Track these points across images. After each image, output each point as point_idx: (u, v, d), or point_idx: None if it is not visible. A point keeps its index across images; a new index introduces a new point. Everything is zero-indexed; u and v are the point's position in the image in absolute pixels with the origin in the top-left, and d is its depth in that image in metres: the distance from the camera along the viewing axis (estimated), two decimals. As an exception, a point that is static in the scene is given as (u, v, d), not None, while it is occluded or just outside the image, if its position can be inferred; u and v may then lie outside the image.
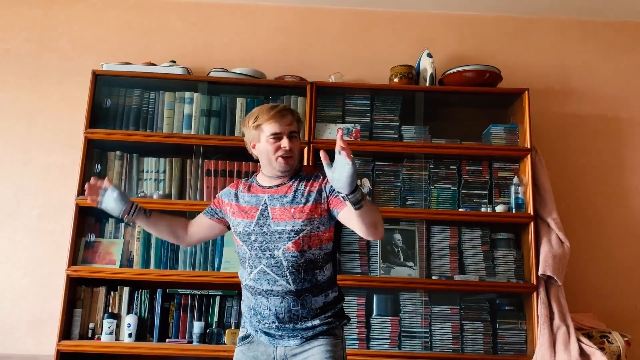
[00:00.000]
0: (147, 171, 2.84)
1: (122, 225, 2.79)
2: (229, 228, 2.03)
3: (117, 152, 2.83)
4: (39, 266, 2.90)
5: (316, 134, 2.80)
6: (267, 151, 1.91)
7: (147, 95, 2.87)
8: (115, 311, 2.69)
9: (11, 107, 3.08)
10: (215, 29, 3.22)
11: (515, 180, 2.82)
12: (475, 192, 2.84)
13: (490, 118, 2.97)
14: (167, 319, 2.71)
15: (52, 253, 2.89)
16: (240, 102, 2.86)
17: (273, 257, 1.83)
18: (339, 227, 1.96)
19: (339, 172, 1.55)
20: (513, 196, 2.79)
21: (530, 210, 2.73)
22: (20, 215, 2.96)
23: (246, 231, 1.88)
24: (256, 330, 1.89)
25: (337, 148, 1.55)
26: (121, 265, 2.70)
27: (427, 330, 2.68)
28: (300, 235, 1.83)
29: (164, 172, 2.83)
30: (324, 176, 1.90)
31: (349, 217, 1.76)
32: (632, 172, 3.10)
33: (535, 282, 2.64)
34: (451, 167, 2.86)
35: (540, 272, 2.63)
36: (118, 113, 2.85)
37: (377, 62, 3.12)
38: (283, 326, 1.83)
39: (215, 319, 2.71)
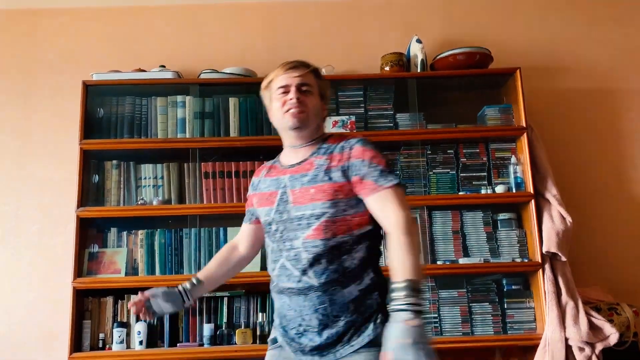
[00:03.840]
0: (144, 178, 2.83)
1: (125, 234, 2.79)
2: None
3: (114, 161, 2.83)
4: (45, 280, 2.90)
5: (311, 128, 2.79)
6: (276, 110, 1.68)
7: (139, 102, 2.87)
8: (124, 320, 2.70)
9: (4, 124, 3.07)
10: (203, 30, 3.21)
11: (513, 159, 2.82)
12: (474, 174, 2.84)
13: (483, 100, 2.96)
14: (177, 323, 2.72)
15: (57, 266, 2.88)
16: (232, 102, 2.86)
17: (293, 249, 1.57)
18: None
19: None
20: (512, 176, 2.79)
21: (530, 189, 2.73)
22: (21, 231, 2.96)
23: (266, 220, 1.66)
24: (283, 337, 1.65)
25: None
26: (126, 274, 2.70)
27: (436, 315, 2.68)
28: (322, 220, 1.55)
29: (162, 177, 2.83)
30: (351, 146, 1.63)
31: (373, 210, 1.57)
32: (629, 143, 3.10)
33: (540, 260, 2.65)
34: (448, 151, 2.85)
35: (544, 250, 2.64)
36: (111, 122, 2.84)
37: (367, 52, 3.11)
38: (312, 333, 1.55)
39: (225, 320, 2.71)
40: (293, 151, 1.71)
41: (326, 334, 1.54)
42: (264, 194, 1.71)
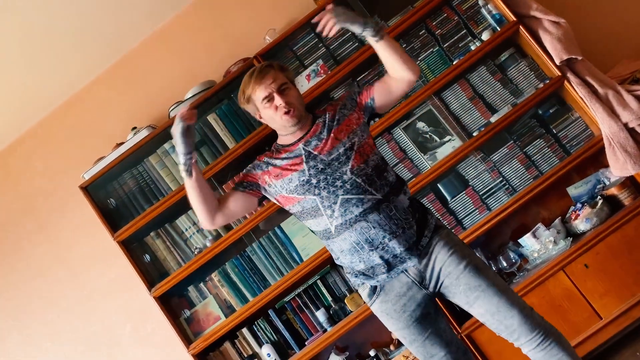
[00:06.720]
0: (186, 230, 2.87)
1: (202, 285, 2.86)
2: (259, 203, 1.97)
3: (151, 234, 2.87)
4: (166, 363, 3.02)
5: (292, 95, 2.76)
6: (270, 117, 1.90)
7: (137, 171, 2.88)
8: (250, 352, 2.80)
9: (42, 268, 3.13)
10: (146, 72, 3.14)
11: (481, 1, 2.74)
12: (455, 38, 2.77)
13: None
14: (293, 327, 2.81)
15: (167, 347, 2.99)
16: (212, 118, 2.84)
17: (347, 182, 1.81)
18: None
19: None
20: (489, 17, 2.72)
21: (512, 17, 2.66)
22: (118, 338, 3.06)
23: (303, 180, 1.84)
24: (374, 275, 1.84)
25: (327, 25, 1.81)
26: (226, 316, 2.78)
27: (501, 178, 2.69)
28: (355, 148, 1.84)
29: (199, 220, 2.85)
30: (337, 97, 1.92)
31: (386, 86, 1.90)
32: None
33: (559, 73, 2.61)
34: (420, 33, 2.79)
35: (557, 62, 2.59)
36: (126, 203, 2.87)
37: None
38: (396, 237, 1.80)
39: (329, 298, 2.79)
40: (294, 135, 1.93)
41: (407, 234, 1.82)
42: (285, 165, 1.89)
